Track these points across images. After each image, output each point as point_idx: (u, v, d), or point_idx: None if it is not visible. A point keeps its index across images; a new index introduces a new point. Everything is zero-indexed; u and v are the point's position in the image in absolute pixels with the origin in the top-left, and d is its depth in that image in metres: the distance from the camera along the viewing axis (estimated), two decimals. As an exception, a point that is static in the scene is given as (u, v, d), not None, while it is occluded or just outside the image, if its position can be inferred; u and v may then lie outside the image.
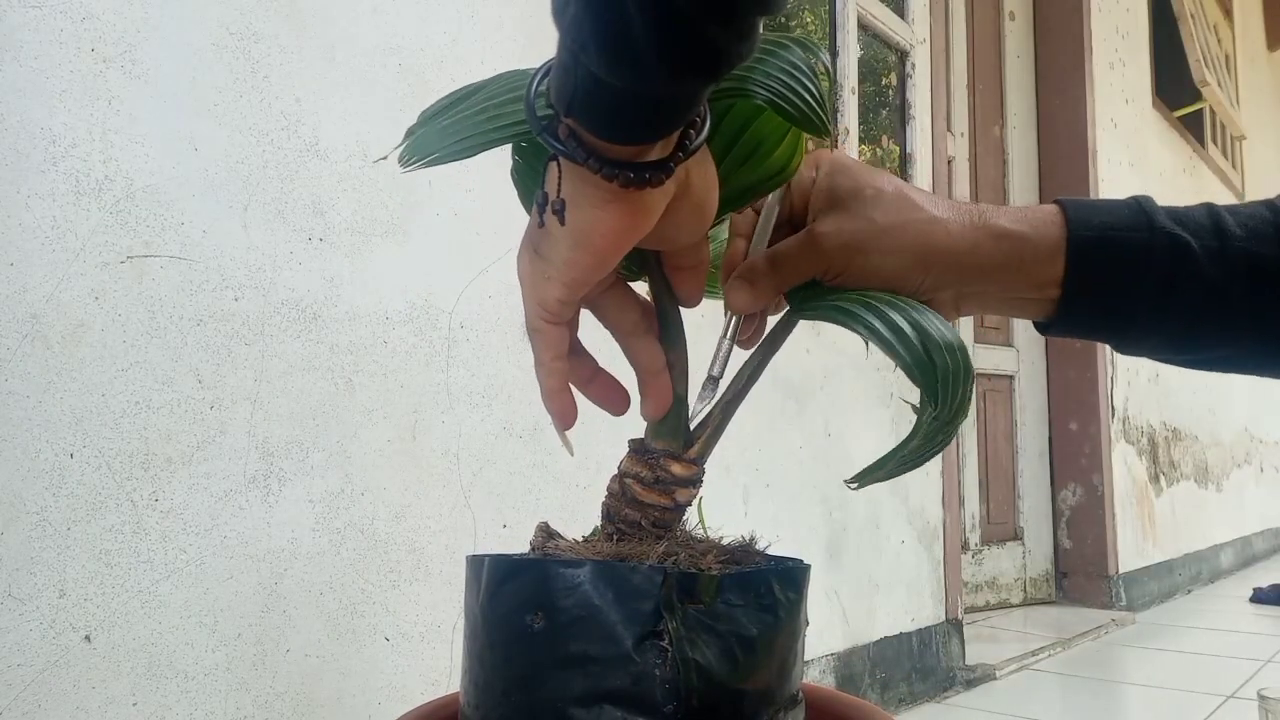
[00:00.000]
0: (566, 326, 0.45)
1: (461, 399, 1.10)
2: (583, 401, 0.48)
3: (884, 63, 2.29)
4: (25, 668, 0.75)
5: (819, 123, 0.43)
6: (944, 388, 0.42)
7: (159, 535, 0.83)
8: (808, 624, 0.49)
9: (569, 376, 0.47)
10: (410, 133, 0.46)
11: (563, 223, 0.39)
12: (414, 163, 0.45)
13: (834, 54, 2.04)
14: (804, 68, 0.43)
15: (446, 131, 0.45)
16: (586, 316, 0.48)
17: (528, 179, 0.50)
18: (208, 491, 0.87)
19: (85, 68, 0.81)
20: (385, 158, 0.47)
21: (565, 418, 0.47)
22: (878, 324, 0.44)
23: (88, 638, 0.78)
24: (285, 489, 0.92)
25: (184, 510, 0.85)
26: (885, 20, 2.15)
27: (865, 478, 0.45)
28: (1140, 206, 0.50)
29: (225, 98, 0.91)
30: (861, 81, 2.07)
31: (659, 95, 0.34)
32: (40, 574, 0.76)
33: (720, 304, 0.66)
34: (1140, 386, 3.34)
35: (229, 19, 0.92)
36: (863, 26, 2.10)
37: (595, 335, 0.48)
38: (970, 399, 0.43)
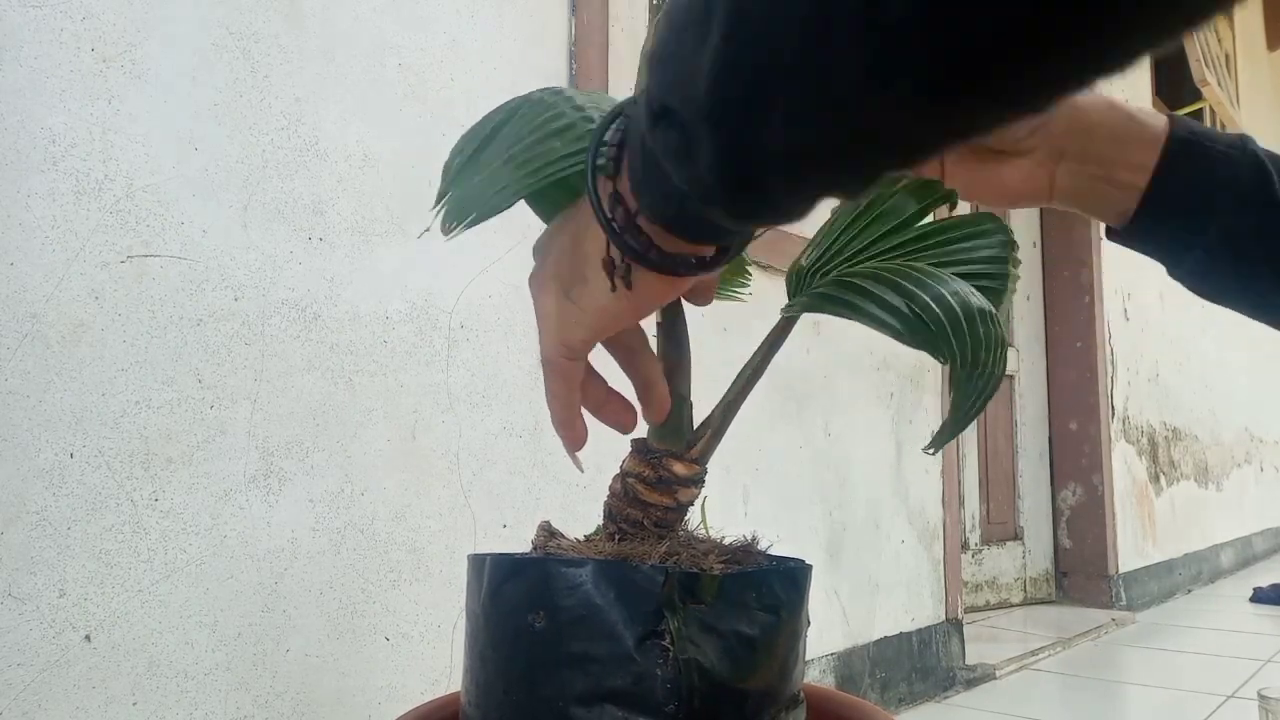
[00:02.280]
0: (584, 360, 0.45)
1: (461, 399, 1.09)
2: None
3: (884, 63, 2.28)
4: (25, 668, 0.75)
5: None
6: (947, 341, 0.42)
7: (159, 535, 0.83)
8: (809, 624, 0.49)
9: (583, 404, 0.47)
10: (442, 195, 0.45)
11: (629, 287, 0.39)
12: (457, 227, 0.43)
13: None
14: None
15: (484, 186, 0.43)
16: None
17: (539, 200, 0.51)
18: (208, 491, 0.87)
19: (85, 68, 0.81)
20: (429, 229, 0.45)
21: (577, 443, 0.48)
22: (863, 303, 0.44)
23: (88, 637, 0.78)
24: (285, 489, 0.92)
25: (184, 510, 0.85)
26: (885, 20, 2.14)
27: (939, 441, 0.46)
28: (1242, 137, 0.53)
29: (225, 98, 0.91)
30: (861, 81, 2.06)
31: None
32: (40, 574, 0.76)
33: (721, 303, 0.66)
34: (1140, 386, 3.34)
35: (229, 19, 0.91)
36: (863, 26, 2.10)
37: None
38: (991, 340, 0.43)
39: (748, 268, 0.62)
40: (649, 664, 0.41)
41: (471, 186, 0.44)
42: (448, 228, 0.44)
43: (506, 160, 0.43)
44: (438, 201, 0.45)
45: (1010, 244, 0.51)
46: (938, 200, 0.52)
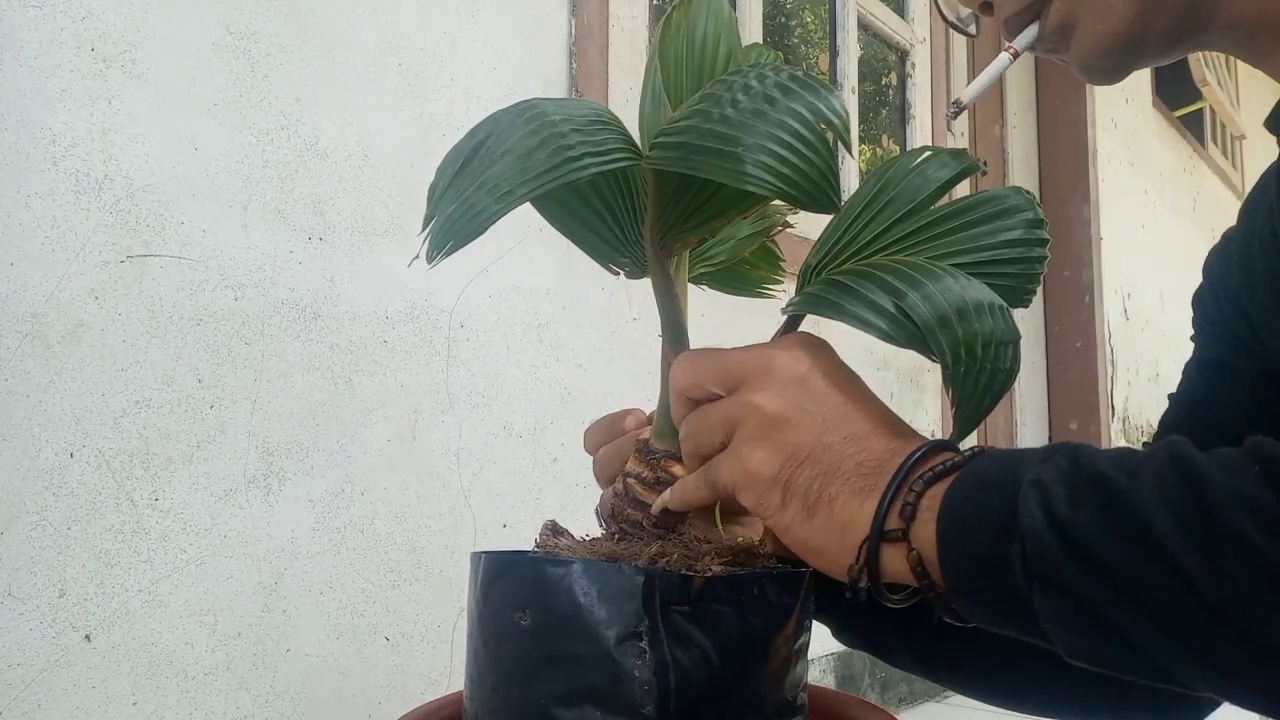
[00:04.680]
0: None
1: (461, 399, 1.09)
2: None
3: (884, 62, 2.29)
4: (25, 667, 0.75)
5: (826, 201, 0.40)
6: (934, 338, 0.41)
7: (159, 535, 0.83)
8: (808, 629, 0.48)
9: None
10: (427, 220, 0.44)
11: (861, 597, 0.40)
12: (438, 256, 0.42)
13: (834, 54, 2.04)
14: (805, 131, 0.39)
15: (459, 213, 0.42)
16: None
17: (544, 202, 0.51)
18: (208, 491, 0.87)
19: (85, 68, 0.81)
20: (418, 256, 0.44)
21: None
22: (849, 303, 0.43)
23: (88, 637, 0.78)
24: (285, 489, 0.92)
25: (184, 510, 0.85)
26: (885, 20, 2.15)
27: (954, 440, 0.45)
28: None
29: (225, 97, 0.91)
30: (861, 81, 2.07)
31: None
32: (40, 574, 0.76)
33: (722, 299, 0.66)
34: (1140, 386, 3.34)
35: (229, 19, 0.91)
36: (863, 26, 2.10)
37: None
38: (990, 333, 0.41)
39: (781, 263, 0.61)
40: (628, 665, 0.40)
41: (448, 214, 0.43)
42: (431, 256, 0.43)
43: (479, 185, 0.42)
44: (424, 226, 0.44)
45: (1035, 223, 0.47)
46: (958, 177, 0.47)
